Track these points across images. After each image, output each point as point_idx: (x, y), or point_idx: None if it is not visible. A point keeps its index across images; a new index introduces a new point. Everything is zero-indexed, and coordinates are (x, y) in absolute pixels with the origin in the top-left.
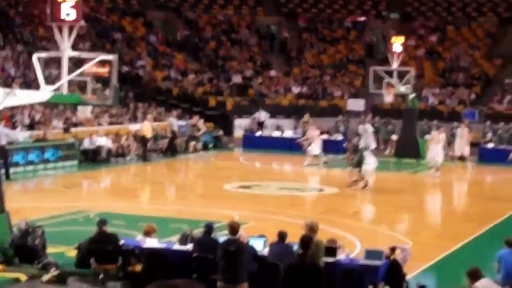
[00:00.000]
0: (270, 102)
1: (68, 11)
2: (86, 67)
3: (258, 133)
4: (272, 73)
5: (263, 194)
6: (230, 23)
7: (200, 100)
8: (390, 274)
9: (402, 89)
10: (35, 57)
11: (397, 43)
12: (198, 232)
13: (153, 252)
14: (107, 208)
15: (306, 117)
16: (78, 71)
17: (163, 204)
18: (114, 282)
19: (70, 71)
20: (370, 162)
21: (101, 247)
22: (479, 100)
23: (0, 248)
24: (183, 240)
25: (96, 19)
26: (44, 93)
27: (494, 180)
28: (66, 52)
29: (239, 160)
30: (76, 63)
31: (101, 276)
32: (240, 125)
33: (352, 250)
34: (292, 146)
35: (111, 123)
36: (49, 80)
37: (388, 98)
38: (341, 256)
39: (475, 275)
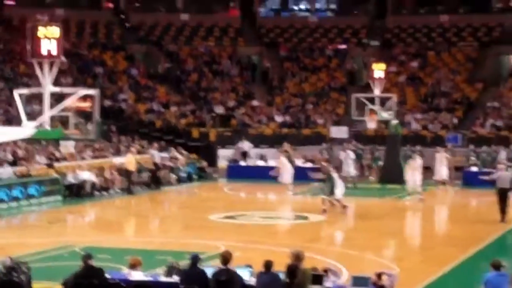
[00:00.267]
0: (253, 132)
1: (48, 47)
2: (68, 102)
3: (242, 163)
4: (255, 103)
5: (248, 224)
6: (211, 55)
7: (183, 131)
8: None
9: (385, 115)
10: (16, 93)
11: (378, 70)
12: (183, 263)
13: (139, 285)
14: (92, 242)
15: (285, 146)
16: (60, 107)
17: (148, 237)
18: None
19: (52, 106)
20: (340, 187)
21: (87, 282)
22: (462, 124)
23: None
24: (169, 272)
25: (77, 54)
26: (27, 129)
27: (478, 203)
28: (48, 87)
29: (223, 191)
30: (58, 98)
31: None
32: (224, 155)
33: (339, 277)
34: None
35: (94, 157)
36: (32, 116)
37: (371, 124)
38: (328, 283)
39: None
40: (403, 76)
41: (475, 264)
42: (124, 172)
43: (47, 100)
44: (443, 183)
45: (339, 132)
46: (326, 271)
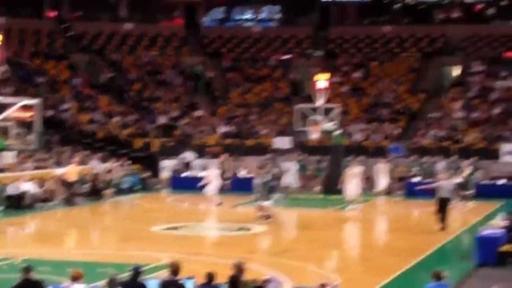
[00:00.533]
0: (196, 142)
1: None
2: (9, 112)
3: (185, 174)
4: (198, 113)
5: (191, 235)
6: (155, 64)
7: (126, 142)
8: None
9: (328, 126)
10: None
11: (322, 81)
12: (125, 276)
13: None
14: (32, 255)
15: (223, 157)
16: (1, 116)
17: (90, 249)
18: None
19: None
20: (275, 198)
21: None
22: (404, 135)
23: None
24: (111, 284)
25: (18, 64)
26: None
27: (420, 213)
28: None
29: (166, 202)
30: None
31: None
32: (167, 166)
33: None
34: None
35: (35, 168)
36: None
37: (314, 135)
38: None
39: None
40: (346, 87)
41: (416, 275)
42: (65, 183)
43: None
44: (387, 192)
45: (283, 142)
46: (265, 282)
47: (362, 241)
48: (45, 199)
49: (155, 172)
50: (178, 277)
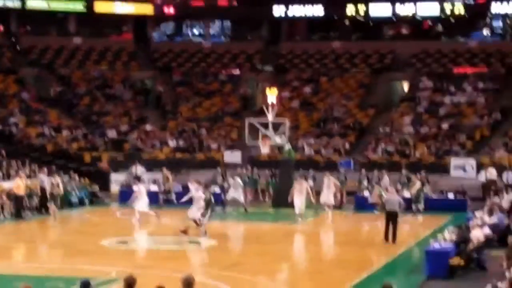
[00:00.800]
0: (146, 157)
1: None
2: None
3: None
4: (148, 127)
5: (140, 249)
6: (104, 78)
7: (75, 156)
8: None
9: (278, 140)
10: None
11: (272, 95)
12: None
13: None
14: None
15: (165, 171)
16: None
17: (39, 263)
18: None
19: None
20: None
21: None
22: (354, 149)
23: None
24: None
25: None
26: None
27: (369, 227)
28: None
29: (116, 216)
30: None
31: None
32: (117, 180)
33: None
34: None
35: None
36: None
37: (265, 149)
38: None
39: None
40: (296, 101)
41: (367, 287)
42: (13, 197)
43: None
44: (337, 206)
45: (233, 156)
46: None
47: (312, 254)
48: None
49: (105, 186)
50: None
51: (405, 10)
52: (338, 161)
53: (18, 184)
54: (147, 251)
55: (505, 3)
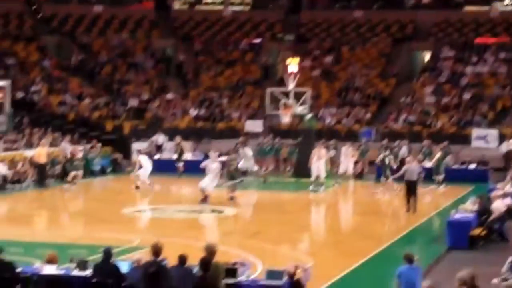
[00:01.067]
0: (167, 125)
1: None
2: None
3: (157, 156)
4: (169, 96)
5: (162, 217)
6: (125, 47)
7: (97, 124)
8: None
9: (299, 109)
10: None
11: (293, 64)
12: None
13: (51, 278)
14: (3, 236)
15: (177, 139)
16: None
17: (61, 230)
18: None
19: None
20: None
21: None
22: (375, 119)
23: None
24: (82, 265)
25: None
26: None
27: (390, 197)
28: None
29: (137, 184)
30: None
31: None
32: (138, 148)
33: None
34: (190, 169)
35: (6, 150)
36: None
37: (285, 119)
38: (242, 277)
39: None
40: (317, 71)
41: (387, 258)
42: (36, 165)
43: None
44: (358, 176)
45: (254, 126)
46: (237, 264)
47: (333, 224)
48: (16, 180)
49: (127, 155)
50: (159, 258)
51: None
52: (359, 131)
53: (40, 153)
54: (169, 219)
55: None
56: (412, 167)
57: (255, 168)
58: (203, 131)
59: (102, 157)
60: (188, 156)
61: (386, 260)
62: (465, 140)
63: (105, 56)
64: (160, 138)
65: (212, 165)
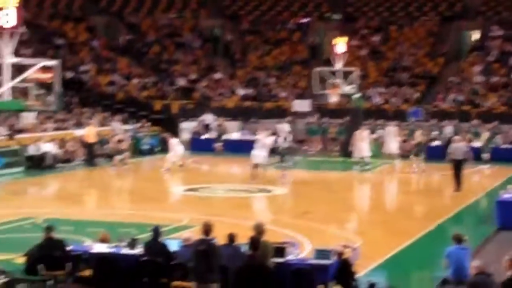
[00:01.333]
0: (215, 105)
1: (8, 17)
2: (28, 73)
3: (205, 136)
4: (217, 75)
5: (211, 196)
6: (173, 27)
7: (145, 104)
8: (340, 273)
9: (347, 89)
10: None
11: (340, 44)
12: (146, 236)
13: (102, 256)
14: (54, 214)
15: (220, 120)
16: (21, 78)
17: (111, 209)
18: None
19: (13, 77)
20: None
21: (49, 254)
22: (424, 99)
23: None
24: (132, 244)
25: (37, 25)
26: None
27: (439, 177)
28: (8, 58)
29: (186, 163)
30: (19, 69)
31: (50, 282)
32: (186, 128)
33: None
34: (238, 148)
35: (56, 129)
36: None
37: (333, 98)
38: (290, 256)
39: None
40: (365, 50)
41: (436, 238)
42: (85, 144)
43: (7, 71)
44: (405, 156)
45: (302, 105)
46: (285, 243)
47: (380, 203)
48: (65, 159)
49: (175, 134)
50: (210, 237)
51: None
52: (407, 110)
53: (89, 132)
54: (218, 199)
55: None
56: (459, 146)
57: (290, 144)
58: (251, 110)
59: (150, 136)
60: (234, 135)
61: (434, 240)
62: None
63: (153, 36)
64: (208, 117)
65: (267, 140)
